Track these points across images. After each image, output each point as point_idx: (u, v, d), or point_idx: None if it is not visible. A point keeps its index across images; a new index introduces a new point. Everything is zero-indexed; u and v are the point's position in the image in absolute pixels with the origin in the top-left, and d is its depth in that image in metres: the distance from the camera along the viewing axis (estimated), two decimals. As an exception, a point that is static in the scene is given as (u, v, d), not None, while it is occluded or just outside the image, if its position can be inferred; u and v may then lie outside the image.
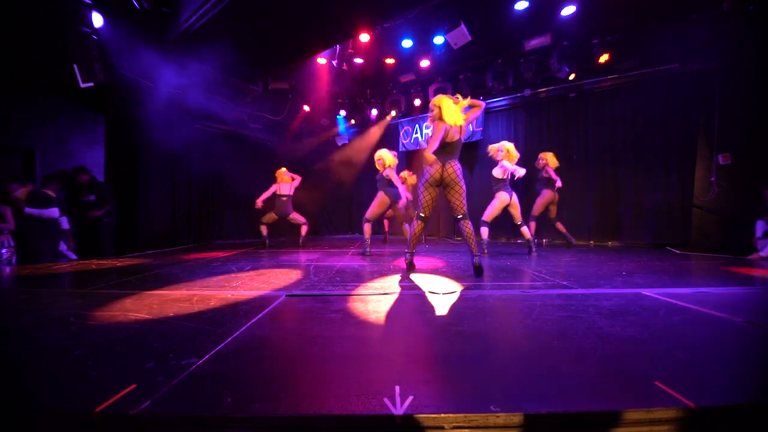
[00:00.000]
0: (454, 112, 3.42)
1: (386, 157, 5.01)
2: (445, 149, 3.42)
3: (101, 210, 5.38)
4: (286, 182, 6.23)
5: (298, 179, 6.39)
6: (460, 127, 3.45)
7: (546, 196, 5.65)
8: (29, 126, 5.75)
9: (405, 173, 6.53)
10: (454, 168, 3.40)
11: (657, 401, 1.11)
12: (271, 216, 6.12)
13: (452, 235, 8.25)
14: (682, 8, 5.14)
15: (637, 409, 1.08)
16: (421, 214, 3.52)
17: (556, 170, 5.64)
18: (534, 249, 4.98)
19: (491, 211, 5.00)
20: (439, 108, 3.44)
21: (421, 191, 3.48)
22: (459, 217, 3.42)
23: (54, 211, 4.61)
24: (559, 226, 5.86)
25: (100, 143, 6.39)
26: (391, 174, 4.94)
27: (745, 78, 4.77)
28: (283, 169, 6.36)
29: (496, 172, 5.06)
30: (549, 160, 5.67)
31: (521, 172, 4.80)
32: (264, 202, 6.07)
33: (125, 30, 4.95)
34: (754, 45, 4.66)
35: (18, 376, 1.37)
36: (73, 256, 4.99)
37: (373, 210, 5.06)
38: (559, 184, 5.51)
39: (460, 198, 3.40)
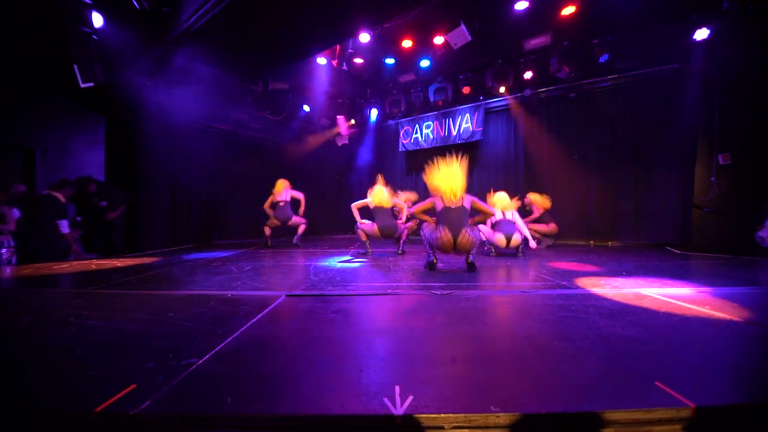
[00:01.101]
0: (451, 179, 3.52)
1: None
2: (450, 217, 3.48)
3: (116, 212, 5.51)
4: (281, 189, 6.25)
5: (301, 198, 6.39)
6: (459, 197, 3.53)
7: (551, 227, 5.96)
8: (29, 126, 5.75)
9: (405, 197, 6.12)
10: (470, 237, 3.41)
11: (657, 401, 1.11)
12: (273, 221, 6.17)
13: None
14: (682, 8, 5.14)
15: (637, 409, 1.08)
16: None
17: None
18: (520, 252, 4.90)
19: (485, 234, 4.94)
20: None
21: (427, 233, 3.65)
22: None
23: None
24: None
25: (100, 143, 6.39)
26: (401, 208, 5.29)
27: (745, 78, 4.77)
28: (280, 180, 6.35)
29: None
30: (535, 201, 6.02)
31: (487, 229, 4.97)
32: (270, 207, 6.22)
33: (125, 30, 4.95)
34: (754, 45, 4.66)
35: (18, 376, 1.37)
36: (81, 252, 5.03)
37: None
38: (535, 215, 6.00)
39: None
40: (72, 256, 4.88)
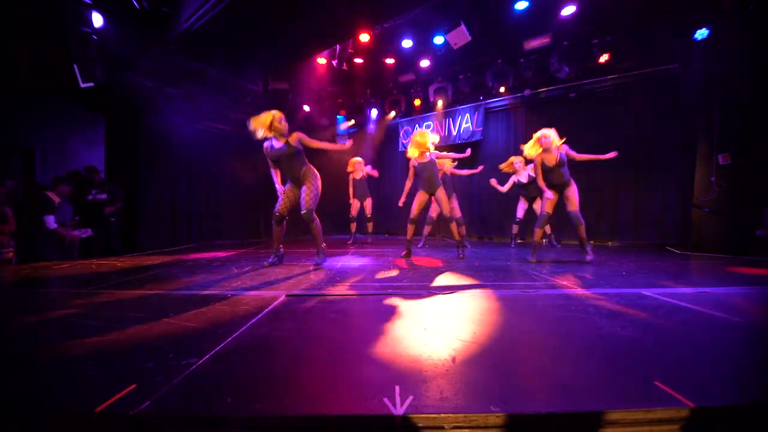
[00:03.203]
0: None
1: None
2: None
3: (114, 207, 5.50)
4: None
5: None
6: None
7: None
8: (29, 126, 5.75)
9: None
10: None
11: (657, 401, 1.11)
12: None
13: (451, 236, 8.28)
14: (682, 8, 5.14)
15: (637, 409, 1.08)
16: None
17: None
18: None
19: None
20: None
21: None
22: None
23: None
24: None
25: (100, 143, 6.39)
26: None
27: (745, 78, 4.76)
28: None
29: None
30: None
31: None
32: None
33: (125, 30, 4.94)
34: (755, 45, 4.66)
35: (18, 376, 1.37)
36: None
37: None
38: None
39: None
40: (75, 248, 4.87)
